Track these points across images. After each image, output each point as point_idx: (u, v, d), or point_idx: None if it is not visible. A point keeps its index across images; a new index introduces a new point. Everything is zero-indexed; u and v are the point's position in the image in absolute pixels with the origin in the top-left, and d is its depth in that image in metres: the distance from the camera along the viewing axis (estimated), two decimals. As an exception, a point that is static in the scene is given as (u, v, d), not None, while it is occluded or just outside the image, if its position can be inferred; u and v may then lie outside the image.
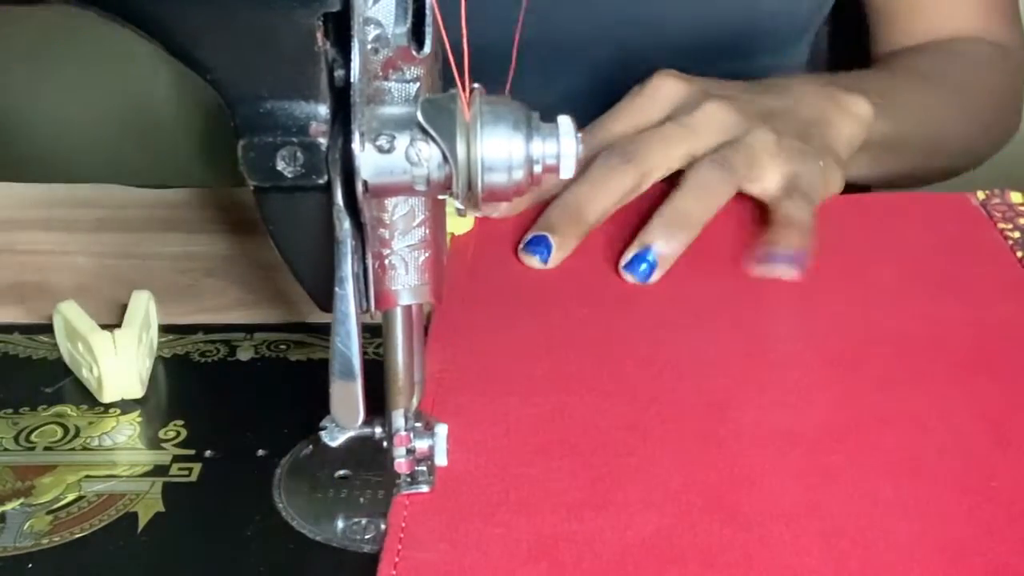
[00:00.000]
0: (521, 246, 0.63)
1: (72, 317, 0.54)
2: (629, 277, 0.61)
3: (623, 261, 0.61)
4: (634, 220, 0.64)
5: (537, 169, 0.41)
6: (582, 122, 0.55)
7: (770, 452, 0.50)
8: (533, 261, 0.63)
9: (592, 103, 0.71)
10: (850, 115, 0.70)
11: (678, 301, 0.60)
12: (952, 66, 0.84)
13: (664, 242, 0.61)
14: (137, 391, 0.54)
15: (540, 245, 0.62)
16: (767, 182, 0.65)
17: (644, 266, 0.61)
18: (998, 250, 0.65)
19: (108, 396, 0.53)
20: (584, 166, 0.64)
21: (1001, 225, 0.66)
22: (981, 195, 0.69)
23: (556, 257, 0.63)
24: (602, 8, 0.80)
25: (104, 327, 0.53)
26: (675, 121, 0.65)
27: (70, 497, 0.48)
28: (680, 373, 0.55)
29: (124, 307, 0.56)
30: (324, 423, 0.46)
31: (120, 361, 0.53)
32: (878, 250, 0.65)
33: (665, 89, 0.67)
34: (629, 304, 0.60)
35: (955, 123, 0.83)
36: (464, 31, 0.40)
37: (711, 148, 0.64)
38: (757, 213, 0.66)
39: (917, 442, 0.51)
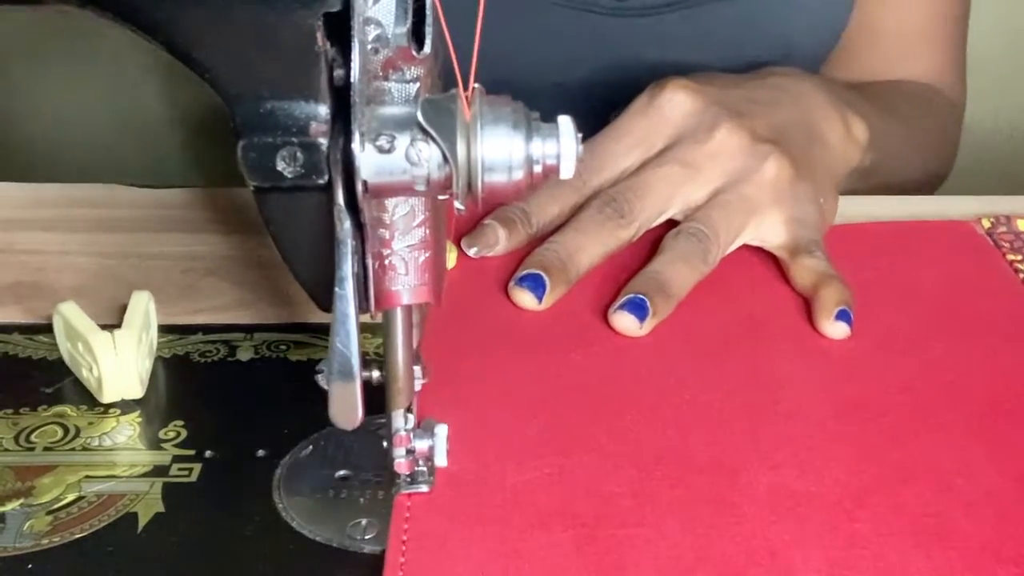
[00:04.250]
0: (513, 282, 0.60)
1: (72, 317, 0.54)
2: (622, 320, 0.58)
3: (615, 305, 0.58)
4: (622, 257, 0.62)
5: (537, 169, 0.41)
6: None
7: (789, 519, 0.47)
8: (525, 298, 0.59)
9: None
10: (853, 140, 0.69)
11: (676, 346, 0.57)
12: (912, 107, 0.84)
13: (653, 297, 0.58)
14: (137, 391, 0.54)
15: (536, 283, 0.59)
16: (769, 234, 0.63)
17: (638, 310, 0.58)
18: (1008, 283, 0.63)
19: (108, 396, 0.53)
20: (578, 206, 0.63)
21: (1010, 256, 0.64)
22: (987, 223, 0.68)
23: (549, 298, 0.59)
24: (633, 57, 0.79)
25: (104, 327, 0.53)
26: (679, 158, 0.62)
27: (70, 497, 0.48)
28: (685, 428, 0.52)
29: (124, 307, 0.56)
30: (320, 367, 0.44)
31: (120, 362, 0.53)
32: (883, 287, 0.62)
33: (675, 105, 0.64)
34: (625, 349, 0.57)
35: (913, 162, 0.83)
36: (479, 30, 0.40)
37: (710, 193, 0.62)
38: (758, 255, 0.64)
39: (943, 504, 0.48)
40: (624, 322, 0.58)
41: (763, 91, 0.68)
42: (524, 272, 0.60)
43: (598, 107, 0.76)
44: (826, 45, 0.85)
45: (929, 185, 0.89)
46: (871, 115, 0.72)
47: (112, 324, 0.54)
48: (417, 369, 0.47)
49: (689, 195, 0.62)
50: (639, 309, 0.58)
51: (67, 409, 0.53)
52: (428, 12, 0.41)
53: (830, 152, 0.67)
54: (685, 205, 0.63)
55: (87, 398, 0.54)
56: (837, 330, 0.58)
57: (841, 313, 0.58)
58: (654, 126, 0.64)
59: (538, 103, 0.42)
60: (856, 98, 0.74)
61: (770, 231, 0.63)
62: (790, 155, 0.63)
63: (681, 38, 0.80)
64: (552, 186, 0.63)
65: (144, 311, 0.55)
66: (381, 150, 0.40)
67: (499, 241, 0.63)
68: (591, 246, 0.61)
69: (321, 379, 0.44)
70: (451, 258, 0.62)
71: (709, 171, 0.62)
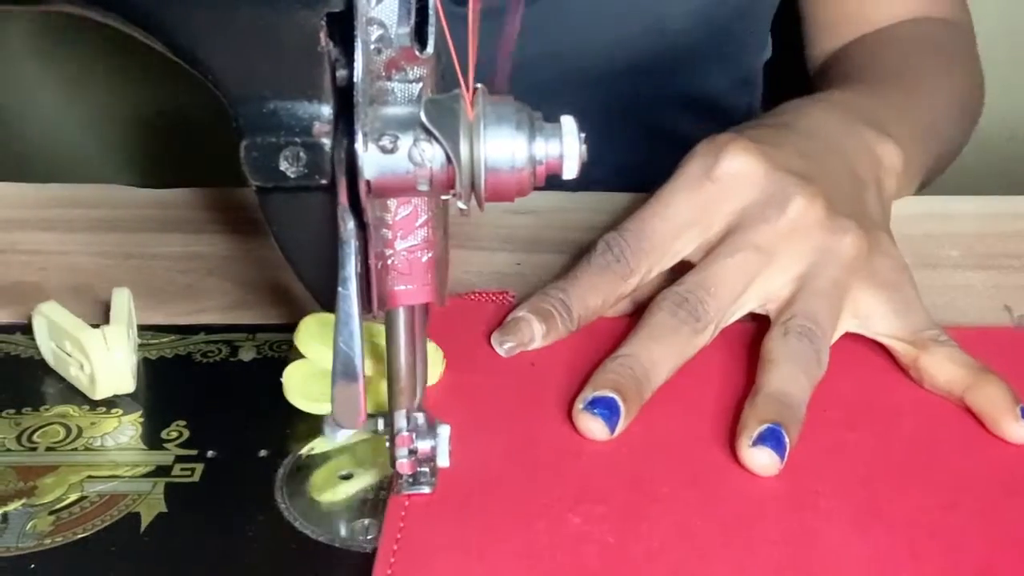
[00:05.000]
0: (581, 405, 0.51)
1: (57, 317, 0.55)
2: (760, 456, 0.49)
3: (747, 440, 0.49)
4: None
5: (540, 169, 0.41)
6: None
7: None
8: (595, 427, 0.50)
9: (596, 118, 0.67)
10: (888, 172, 0.62)
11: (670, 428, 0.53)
12: (933, 72, 0.77)
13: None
14: (130, 386, 0.54)
15: (611, 410, 0.50)
16: (873, 320, 0.55)
17: (778, 444, 0.49)
18: None
19: (101, 393, 0.53)
20: (623, 296, 0.56)
21: None
22: None
23: (621, 425, 0.51)
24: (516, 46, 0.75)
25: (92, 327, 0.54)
26: (751, 241, 0.54)
27: (72, 497, 0.48)
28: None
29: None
30: (325, 419, 0.46)
31: (112, 357, 0.53)
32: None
33: (734, 176, 0.56)
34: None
35: (954, 128, 0.78)
36: (471, 31, 0.40)
37: (793, 280, 0.55)
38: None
39: None
40: (762, 459, 0.49)
41: (803, 140, 0.60)
42: (596, 394, 0.51)
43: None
44: (717, 22, 0.81)
45: (971, 129, 0.83)
46: (892, 118, 0.66)
47: (94, 324, 0.54)
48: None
49: (767, 284, 0.55)
50: (778, 443, 0.49)
51: (69, 409, 0.53)
52: (431, 12, 0.41)
53: (871, 194, 0.60)
54: (764, 296, 0.55)
55: (89, 398, 0.54)
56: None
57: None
58: (711, 202, 0.56)
59: None
60: (873, 105, 0.67)
61: (874, 316, 0.55)
62: (864, 225, 0.56)
63: (534, 33, 0.76)
64: (594, 273, 0.56)
65: (127, 307, 0.56)
66: (384, 150, 0.40)
67: (535, 338, 0.56)
68: (668, 358, 0.53)
69: (327, 429, 0.45)
70: (435, 372, 0.54)
71: (786, 254, 0.55)
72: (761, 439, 0.49)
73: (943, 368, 0.53)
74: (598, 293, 0.56)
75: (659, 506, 0.48)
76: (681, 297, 0.53)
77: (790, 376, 0.51)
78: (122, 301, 0.56)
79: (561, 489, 0.48)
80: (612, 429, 0.50)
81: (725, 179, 0.56)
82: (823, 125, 0.63)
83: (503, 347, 0.56)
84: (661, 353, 0.52)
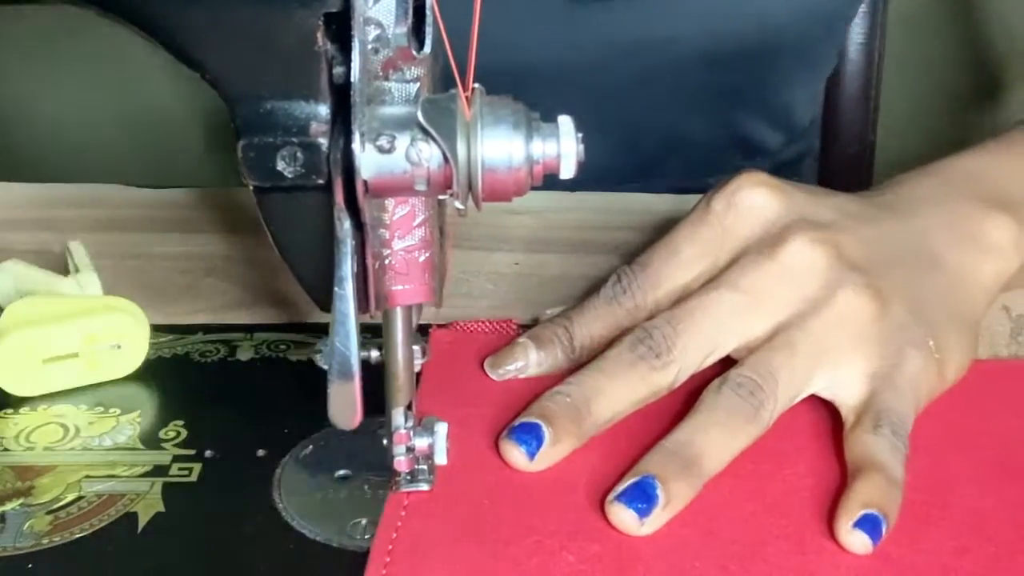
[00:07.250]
0: (505, 433, 0.50)
1: (23, 272, 0.57)
2: (622, 514, 0.46)
3: (616, 491, 0.47)
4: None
5: (538, 169, 0.41)
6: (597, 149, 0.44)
7: None
8: (516, 455, 0.49)
9: (607, 126, 0.64)
10: (989, 251, 0.56)
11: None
12: None
13: (670, 482, 0.47)
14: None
15: (530, 435, 0.49)
16: (845, 389, 0.51)
17: (643, 504, 0.46)
18: None
19: None
20: (610, 340, 0.53)
21: None
22: None
23: (547, 455, 0.49)
24: (619, 30, 0.73)
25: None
26: (734, 281, 0.51)
27: (70, 497, 0.48)
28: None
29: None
30: (319, 346, 0.44)
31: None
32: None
33: (744, 211, 0.53)
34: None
35: None
36: (475, 35, 0.40)
37: (773, 328, 0.51)
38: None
39: None
40: (621, 516, 0.46)
41: (866, 206, 0.56)
42: (519, 421, 0.50)
43: (595, 93, 0.73)
44: (811, 24, 0.78)
45: None
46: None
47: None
48: (417, 349, 0.46)
49: (746, 329, 0.51)
50: (644, 498, 0.46)
51: (67, 408, 0.53)
52: (428, 12, 0.41)
53: (965, 278, 0.55)
54: (743, 342, 0.51)
55: (87, 398, 0.54)
56: (854, 541, 0.45)
57: (864, 520, 0.45)
58: (719, 237, 0.54)
59: (535, 94, 0.41)
60: (1004, 169, 0.59)
61: (847, 385, 0.51)
62: (877, 284, 0.51)
63: (638, 19, 0.73)
64: (600, 304, 0.54)
65: (87, 258, 0.59)
66: (381, 150, 0.40)
67: (530, 365, 0.54)
68: (616, 392, 0.50)
69: (319, 359, 0.44)
70: None
71: (771, 299, 0.51)
72: (623, 495, 0.46)
73: (850, 450, 0.49)
74: (603, 324, 0.54)
75: (656, 547, 0.46)
76: (646, 332, 0.51)
77: (699, 427, 0.48)
78: (80, 252, 0.58)
79: (556, 524, 0.47)
80: (531, 455, 0.49)
81: (735, 214, 0.54)
82: (912, 198, 0.57)
83: (496, 371, 0.54)
84: (608, 386, 0.50)
